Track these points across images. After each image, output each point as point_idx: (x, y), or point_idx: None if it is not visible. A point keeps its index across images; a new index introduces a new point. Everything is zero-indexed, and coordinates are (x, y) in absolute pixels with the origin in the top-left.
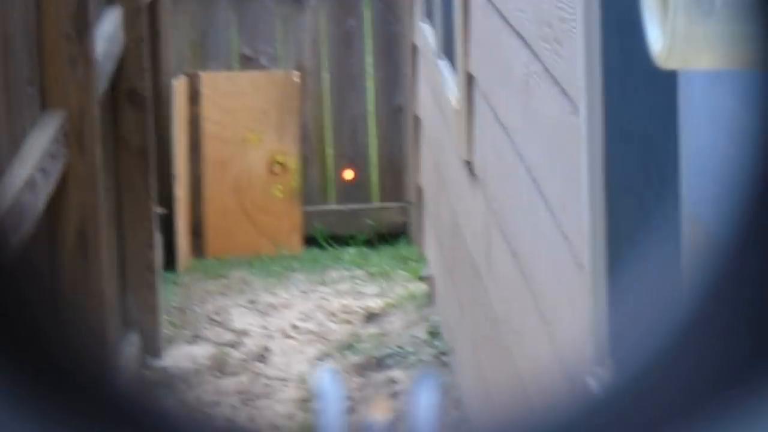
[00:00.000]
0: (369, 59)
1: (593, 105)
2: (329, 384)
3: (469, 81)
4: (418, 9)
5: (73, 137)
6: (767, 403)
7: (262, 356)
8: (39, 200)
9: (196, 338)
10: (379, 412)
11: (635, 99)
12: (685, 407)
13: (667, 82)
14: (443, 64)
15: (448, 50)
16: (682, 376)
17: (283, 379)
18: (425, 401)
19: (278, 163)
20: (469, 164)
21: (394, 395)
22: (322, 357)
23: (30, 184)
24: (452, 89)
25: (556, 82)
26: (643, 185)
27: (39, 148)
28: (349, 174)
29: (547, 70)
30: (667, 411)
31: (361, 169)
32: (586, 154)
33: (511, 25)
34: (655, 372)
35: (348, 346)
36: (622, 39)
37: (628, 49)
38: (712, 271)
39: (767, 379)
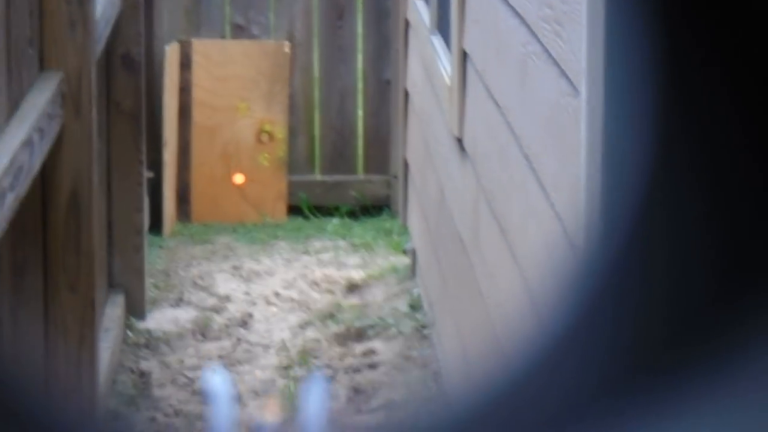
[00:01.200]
0: (360, 32)
1: (594, 87)
2: (219, 385)
3: (463, 58)
4: None
5: (69, 99)
6: (650, 412)
7: (244, 322)
8: (35, 160)
9: (179, 302)
10: (269, 413)
11: (636, 83)
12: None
13: None
14: (436, 40)
15: (442, 26)
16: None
17: (265, 346)
18: (314, 403)
19: (266, 132)
20: (459, 140)
21: (374, 366)
22: (304, 325)
23: (27, 144)
24: (445, 65)
25: (556, 63)
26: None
27: (37, 108)
28: (239, 178)
29: (546, 50)
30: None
31: (347, 141)
32: (585, 135)
33: (509, 4)
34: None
35: (329, 316)
36: (624, 21)
37: (630, 31)
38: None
39: (649, 385)
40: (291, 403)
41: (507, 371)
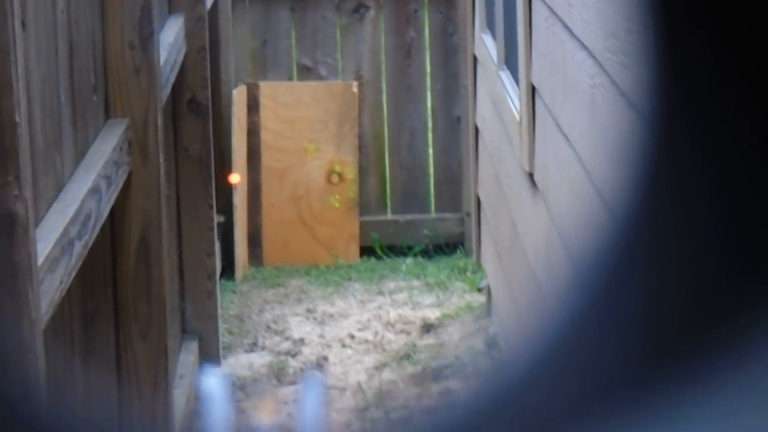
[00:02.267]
0: (428, 70)
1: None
2: (215, 388)
3: (532, 92)
4: (479, 20)
5: (136, 145)
6: (660, 406)
7: (319, 365)
8: (103, 207)
9: (253, 346)
10: (265, 415)
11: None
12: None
13: None
14: (504, 75)
15: (509, 61)
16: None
17: (341, 388)
18: (312, 405)
19: (336, 173)
20: (530, 176)
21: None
22: (379, 366)
23: (94, 192)
24: (514, 100)
25: (623, 94)
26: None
27: (103, 155)
28: (235, 178)
29: (613, 82)
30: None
31: (418, 179)
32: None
33: (575, 36)
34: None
35: (405, 356)
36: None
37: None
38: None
39: (659, 382)
40: None
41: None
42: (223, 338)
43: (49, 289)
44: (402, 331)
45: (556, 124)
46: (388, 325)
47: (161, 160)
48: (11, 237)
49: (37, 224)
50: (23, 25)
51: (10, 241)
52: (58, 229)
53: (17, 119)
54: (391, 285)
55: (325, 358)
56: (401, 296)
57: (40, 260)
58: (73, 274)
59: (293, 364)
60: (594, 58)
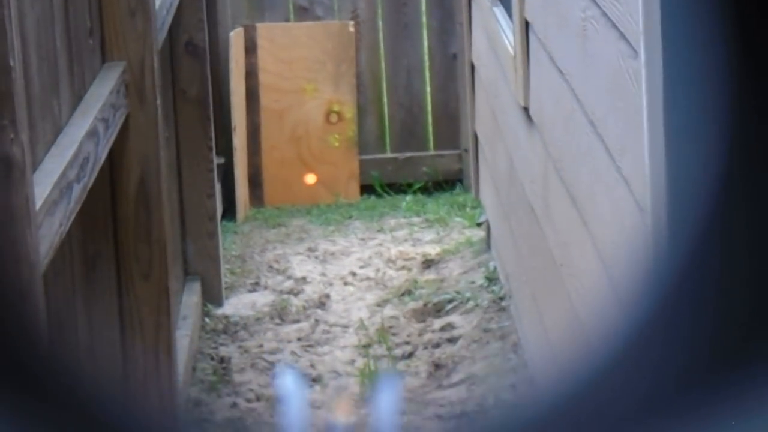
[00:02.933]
0: (423, 8)
1: (653, 48)
2: (292, 386)
3: (526, 27)
4: None
5: (133, 88)
6: (731, 402)
7: (322, 303)
8: (101, 150)
9: (256, 286)
10: (342, 414)
11: (694, 42)
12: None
13: None
14: (498, 11)
15: None
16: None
17: (344, 326)
18: (387, 405)
19: (335, 112)
20: (526, 110)
21: (453, 340)
22: (381, 303)
23: (92, 135)
24: (508, 36)
25: (614, 26)
26: (702, 128)
27: (100, 99)
28: (311, 178)
29: (605, 14)
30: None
31: (416, 118)
32: (645, 97)
33: None
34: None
35: (406, 292)
36: None
37: None
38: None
39: (729, 378)
40: (369, 388)
41: (591, 360)
42: (226, 279)
43: (48, 233)
44: (403, 268)
45: (550, 58)
46: (389, 261)
47: (158, 102)
48: (8, 181)
49: (35, 168)
50: None
51: (7, 185)
52: (56, 173)
53: (11, 63)
54: (392, 222)
55: (327, 296)
56: (401, 233)
57: (38, 204)
58: (72, 218)
59: (295, 302)
60: None
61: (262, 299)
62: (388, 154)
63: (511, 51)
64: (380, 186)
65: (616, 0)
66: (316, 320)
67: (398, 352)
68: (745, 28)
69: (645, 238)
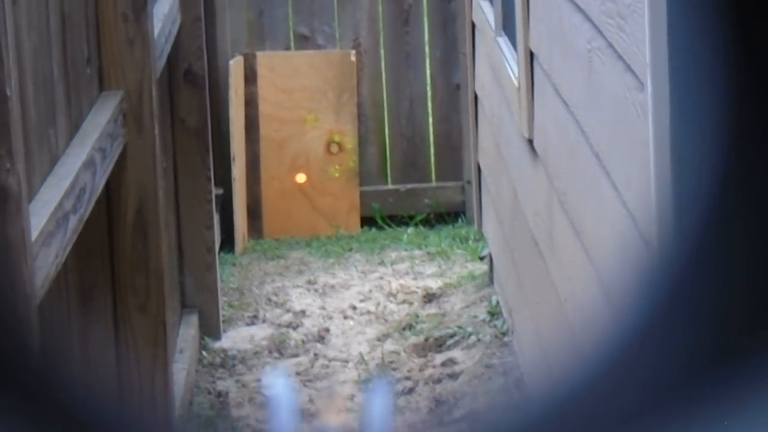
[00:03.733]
0: (426, 38)
1: (659, 81)
2: (282, 390)
3: (530, 57)
4: None
5: (131, 117)
6: (730, 401)
7: (321, 337)
8: (98, 180)
9: (254, 319)
10: (333, 417)
11: (701, 75)
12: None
13: None
14: (503, 41)
15: (507, 27)
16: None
17: (343, 360)
18: (378, 407)
19: (335, 142)
20: (530, 142)
21: (454, 376)
22: (382, 337)
23: (89, 165)
24: (512, 66)
25: (620, 58)
26: (709, 162)
27: (97, 128)
28: (301, 177)
29: (611, 45)
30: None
31: (418, 148)
32: (652, 130)
33: (572, 1)
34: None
35: (407, 327)
36: (687, 13)
37: (693, 23)
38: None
39: (727, 380)
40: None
41: (585, 367)
42: (224, 311)
43: (44, 264)
44: (404, 302)
45: (555, 89)
46: (390, 295)
47: (157, 131)
48: (4, 212)
49: (31, 198)
50: None
51: (2, 215)
52: (53, 203)
53: (8, 92)
54: (393, 255)
55: (327, 330)
56: (403, 266)
57: (34, 234)
58: (69, 249)
59: (294, 336)
60: (590, 21)
61: (261, 333)
62: (390, 186)
63: (515, 82)
64: (381, 218)
65: (623, 31)
66: (315, 354)
67: (399, 387)
68: (753, 62)
69: (650, 272)
